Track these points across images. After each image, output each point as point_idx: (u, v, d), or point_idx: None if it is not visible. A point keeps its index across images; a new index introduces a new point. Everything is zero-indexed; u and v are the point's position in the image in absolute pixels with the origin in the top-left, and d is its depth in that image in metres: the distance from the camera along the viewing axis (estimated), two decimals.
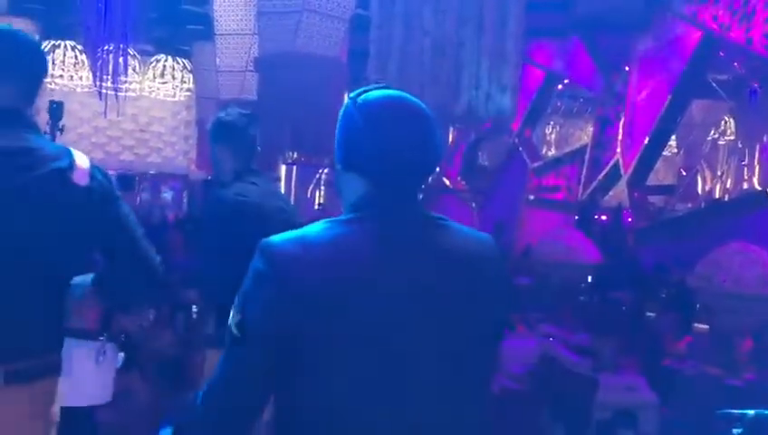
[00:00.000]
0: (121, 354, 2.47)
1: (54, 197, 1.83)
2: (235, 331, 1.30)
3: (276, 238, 1.32)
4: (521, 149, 13.60)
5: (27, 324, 1.84)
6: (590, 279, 8.89)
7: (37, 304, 1.86)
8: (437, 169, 14.91)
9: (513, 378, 5.42)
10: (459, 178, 14.70)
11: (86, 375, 2.33)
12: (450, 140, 14.70)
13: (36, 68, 2.04)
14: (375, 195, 1.36)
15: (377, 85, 1.44)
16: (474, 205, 14.25)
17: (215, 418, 1.35)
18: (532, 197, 13.57)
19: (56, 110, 2.64)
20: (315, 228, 1.34)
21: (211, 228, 2.98)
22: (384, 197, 1.36)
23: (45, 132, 2.65)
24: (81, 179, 1.86)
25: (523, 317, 6.83)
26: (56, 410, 1.95)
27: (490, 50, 6.86)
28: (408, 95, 1.44)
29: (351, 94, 1.44)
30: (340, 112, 1.43)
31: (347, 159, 1.40)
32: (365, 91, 1.41)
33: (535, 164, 13.62)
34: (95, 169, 1.94)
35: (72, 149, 1.97)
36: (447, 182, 14.94)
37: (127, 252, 1.96)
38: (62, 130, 2.63)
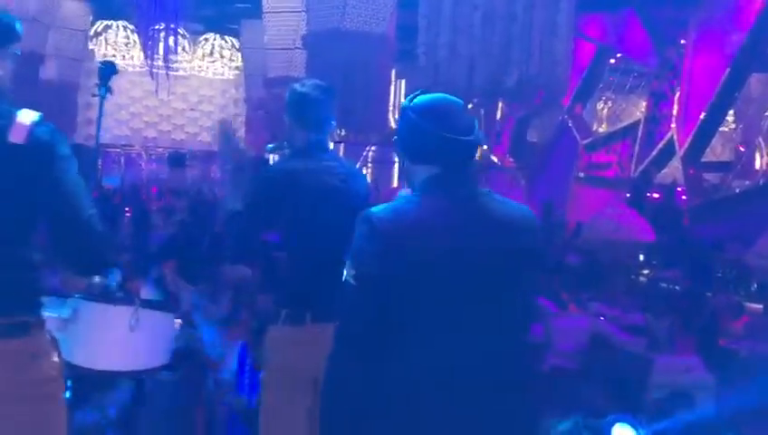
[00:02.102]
0: (178, 321, 2.51)
1: None
2: (352, 281, 1.73)
3: (375, 209, 1.78)
4: (571, 125, 13.33)
5: None
6: (642, 258, 8.71)
7: None
8: (485, 147, 14.78)
9: (564, 356, 5.37)
10: (507, 155, 14.52)
11: (119, 341, 2.36)
12: (498, 116, 14.51)
13: None
14: (436, 177, 1.80)
15: (421, 91, 1.87)
16: (522, 182, 14.07)
17: (351, 352, 1.73)
18: (582, 174, 13.32)
19: (104, 70, 2.70)
20: (398, 203, 1.82)
21: (257, 203, 2.93)
22: (443, 177, 1.80)
23: (94, 94, 2.69)
24: (17, 138, 1.90)
25: (574, 296, 6.74)
26: (44, 368, 2.00)
27: (542, 24, 6.71)
28: (446, 94, 1.88)
29: (404, 102, 1.87)
30: (399, 117, 1.87)
31: (413, 153, 1.84)
32: (414, 97, 1.84)
33: (586, 140, 13.34)
34: (40, 127, 1.95)
35: (21, 109, 1.97)
36: (495, 159, 14.77)
37: (59, 217, 1.97)
38: (109, 91, 2.67)
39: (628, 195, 11.62)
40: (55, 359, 2.07)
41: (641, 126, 12.34)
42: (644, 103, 12.73)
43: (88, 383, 2.31)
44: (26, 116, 1.95)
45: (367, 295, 1.72)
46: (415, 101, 1.83)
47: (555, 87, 7.16)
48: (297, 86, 2.96)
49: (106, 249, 2.07)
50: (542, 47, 6.82)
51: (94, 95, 2.71)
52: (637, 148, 12.23)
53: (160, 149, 19.78)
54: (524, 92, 7.12)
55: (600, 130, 13.22)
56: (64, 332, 2.22)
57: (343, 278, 1.77)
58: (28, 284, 2.01)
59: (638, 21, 12.26)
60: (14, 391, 1.96)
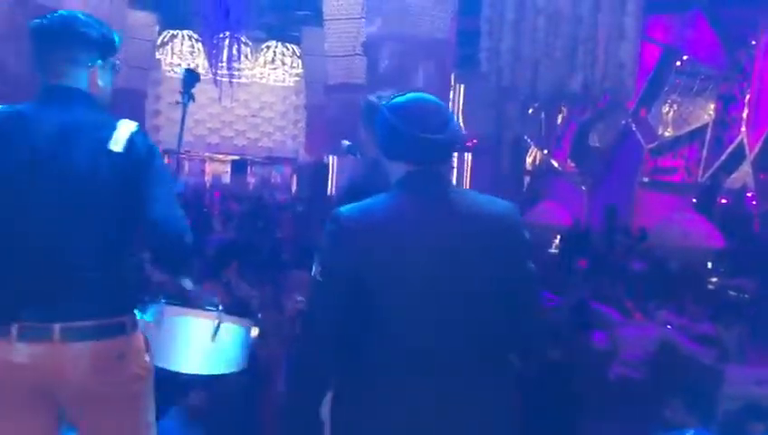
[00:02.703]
0: (256, 329, 2.56)
1: (95, 164, 1.98)
2: (318, 277, 1.80)
3: (343, 208, 1.82)
4: (635, 129, 13.03)
5: (84, 288, 1.99)
6: (710, 265, 8.46)
7: (93, 268, 2.00)
8: (545, 151, 14.58)
9: (631, 365, 5.25)
10: (568, 160, 14.28)
11: (199, 347, 2.42)
12: (558, 120, 14.29)
13: (87, 51, 2.10)
14: (411, 174, 1.85)
15: (400, 92, 1.93)
16: (584, 187, 13.81)
17: (311, 342, 1.85)
18: (646, 179, 13.00)
19: (187, 78, 2.82)
20: (372, 201, 1.84)
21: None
22: (418, 175, 1.84)
23: (177, 102, 2.79)
24: (117, 146, 1.99)
25: (639, 304, 6.59)
26: (135, 368, 2.08)
27: (608, 26, 6.59)
28: (425, 94, 1.92)
29: (383, 102, 1.93)
30: (377, 117, 1.90)
31: (387, 151, 1.89)
32: (392, 98, 1.90)
33: (651, 145, 13.02)
34: (137, 136, 2.04)
35: (122, 120, 2.07)
36: (556, 164, 14.55)
37: (153, 219, 2.04)
38: (192, 98, 2.77)
39: (695, 200, 11.31)
40: (146, 358, 2.15)
41: (709, 129, 11.99)
42: (712, 106, 12.35)
43: (169, 385, 2.38)
44: (126, 126, 2.05)
45: (331, 291, 1.79)
46: (392, 100, 1.89)
47: (621, 90, 7.02)
48: (371, 97, 2.94)
49: (192, 250, 2.14)
50: (607, 50, 6.70)
51: (177, 102, 2.79)
52: (705, 152, 11.89)
53: (222, 155, 20.22)
54: (589, 96, 7.00)
55: (666, 134, 12.86)
56: (149, 334, 2.29)
57: (312, 274, 1.84)
58: (126, 285, 2.09)
59: (705, 22, 11.91)
60: (107, 389, 2.04)
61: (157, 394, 2.20)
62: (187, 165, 19.02)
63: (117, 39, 2.16)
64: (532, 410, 4.12)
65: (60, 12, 2.12)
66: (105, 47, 2.13)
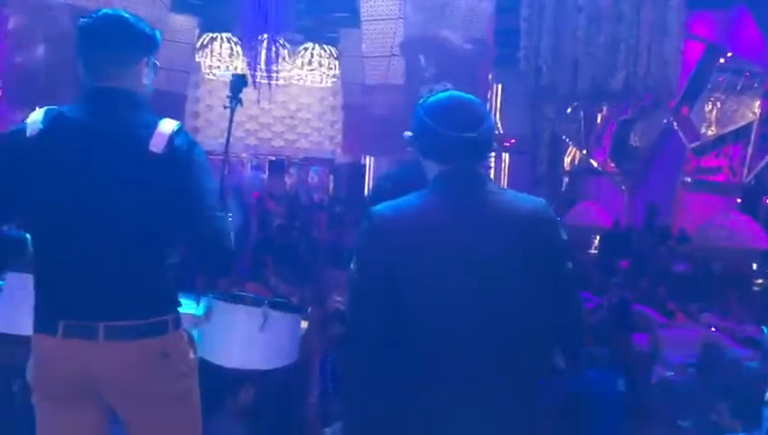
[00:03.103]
0: (305, 322, 2.58)
1: (136, 165, 2.00)
2: (355, 275, 1.84)
3: (377, 207, 1.86)
4: (677, 127, 12.80)
5: (126, 287, 2.03)
6: (755, 266, 8.27)
7: (135, 268, 2.04)
8: (584, 151, 14.41)
9: (674, 368, 5.17)
10: (608, 160, 14.09)
11: (249, 340, 2.43)
12: (598, 119, 14.11)
13: (134, 49, 2.12)
14: (444, 173, 1.86)
15: (438, 90, 1.97)
16: (624, 187, 13.61)
17: (353, 340, 1.85)
18: (688, 179, 12.75)
19: (235, 83, 2.87)
20: (407, 199, 1.87)
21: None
22: (451, 173, 1.86)
23: (225, 106, 2.82)
24: (156, 147, 2.00)
25: (682, 306, 6.49)
26: (179, 365, 2.11)
27: (650, 23, 6.47)
28: (460, 93, 1.92)
29: (420, 101, 1.94)
30: (413, 114, 1.93)
31: (421, 149, 1.92)
32: (429, 97, 1.92)
33: (693, 144, 12.76)
34: (179, 136, 2.04)
35: (163, 119, 2.08)
36: (595, 164, 14.37)
37: (193, 220, 2.05)
38: (240, 103, 2.81)
39: (739, 200, 11.07)
40: (191, 356, 2.18)
41: (754, 128, 11.72)
42: (757, 104, 12.07)
43: (218, 383, 2.42)
44: (167, 125, 2.06)
45: (367, 289, 1.82)
46: (427, 100, 1.92)
47: (664, 88, 6.89)
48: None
49: (233, 252, 2.15)
50: (650, 47, 6.58)
51: (225, 107, 2.83)
52: (750, 151, 11.63)
53: (260, 156, 20.39)
54: (631, 95, 6.89)
55: (709, 132, 12.59)
56: (198, 329, 2.33)
57: (349, 272, 1.90)
58: (166, 286, 2.12)
59: (750, 18, 11.65)
60: (150, 388, 2.08)
61: (207, 392, 2.23)
62: (226, 166, 19.21)
63: (157, 35, 2.19)
64: (577, 408, 4.10)
65: (104, 10, 2.13)
66: (149, 45, 2.15)
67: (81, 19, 2.11)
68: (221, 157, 3.02)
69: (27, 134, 2.02)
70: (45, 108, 2.09)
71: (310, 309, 3.51)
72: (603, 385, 4.16)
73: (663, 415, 4.81)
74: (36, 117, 2.05)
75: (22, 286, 2.38)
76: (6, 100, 11.39)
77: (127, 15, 2.12)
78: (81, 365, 2.02)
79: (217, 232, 2.06)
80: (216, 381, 2.52)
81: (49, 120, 2.04)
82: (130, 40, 2.10)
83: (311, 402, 3.90)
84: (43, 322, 2.05)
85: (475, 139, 1.83)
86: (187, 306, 2.29)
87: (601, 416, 4.08)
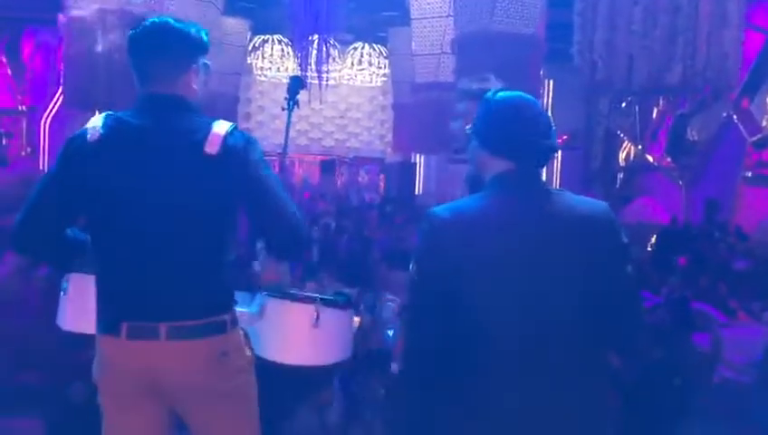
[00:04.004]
0: (357, 318, 2.59)
1: (193, 167, 2.03)
2: (415, 276, 1.84)
3: (436, 208, 1.86)
4: (737, 120, 12.43)
5: (187, 288, 2.07)
6: None
7: (195, 269, 2.07)
8: (639, 146, 14.10)
9: (736, 368, 5.03)
10: (665, 155, 13.77)
11: (302, 336, 2.46)
12: (654, 114, 13.80)
13: (182, 56, 2.15)
14: (508, 173, 1.85)
15: (501, 88, 1.93)
16: (681, 183, 13.28)
17: (411, 337, 1.89)
18: (749, 173, 12.37)
19: (293, 85, 2.93)
20: (466, 200, 1.88)
21: None
22: (515, 175, 1.85)
23: (283, 108, 2.85)
24: (212, 148, 2.03)
25: (744, 304, 6.29)
26: (238, 362, 2.15)
27: (709, 14, 6.29)
28: (525, 94, 1.90)
29: (487, 95, 1.91)
30: (480, 109, 1.90)
31: (492, 146, 1.88)
32: (495, 93, 1.90)
33: (754, 137, 12.37)
34: (233, 136, 2.07)
35: (217, 120, 2.10)
36: (651, 159, 14.06)
37: (261, 210, 2.08)
38: (297, 104, 2.86)
39: None
40: (248, 353, 2.22)
41: None
42: None
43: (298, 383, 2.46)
44: (221, 127, 2.09)
45: (428, 290, 1.82)
46: (498, 95, 1.89)
47: (724, 81, 6.69)
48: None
49: (305, 234, 2.17)
50: (709, 39, 6.39)
51: (283, 109, 2.86)
52: None
53: (311, 157, 20.57)
54: (689, 88, 6.72)
55: None
56: (253, 326, 2.37)
57: (408, 273, 1.90)
58: (225, 285, 2.16)
59: None
60: (211, 385, 2.12)
61: (285, 392, 2.26)
62: (277, 166, 19.43)
63: (206, 37, 2.20)
64: (633, 407, 4.03)
65: (152, 19, 2.17)
66: (197, 50, 2.17)
67: (131, 30, 2.16)
68: (275, 158, 3.06)
69: (88, 139, 2.08)
70: (104, 113, 2.15)
71: (362, 306, 3.52)
72: (659, 386, 4.08)
73: (725, 416, 4.69)
74: (96, 122, 2.11)
75: (86, 286, 2.46)
76: (67, 104, 11.76)
77: (173, 23, 2.15)
78: (144, 365, 2.08)
79: (293, 222, 2.08)
80: (297, 381, 2.56)
81: (108, 125, 2.09)
82: (177, 48, 2.13)
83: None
84: (107, 323, 2.11)
85: (551, 145, 1.86)
86: (242, 304, 2.33)
87: (657, 417, 4.00)
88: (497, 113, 1.87)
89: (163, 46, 2.12)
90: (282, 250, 2.22)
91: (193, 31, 2.16)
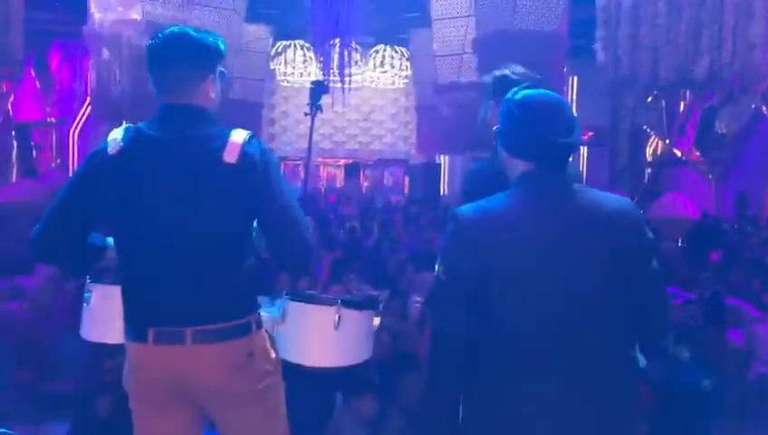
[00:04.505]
0: (377, 319, 2.59)
1: (207, 174, 2.06)
2: (441, 277, 1.83)
3: (464, 208, 1.85)
4: (766, 112, 12.23)
5: (210, 293, 2.09)
6: None
7: (217, 273, 2.10)
8: (667, 141, 13.92)
9: None
10: (693, 149, 13.58)
11: (325, 338, 2.47)
12: (681, 108, 13.63)
13: (199, 67, 2.17)
14: (532, 172, 1.84)
15: (524, 85, 1.91)
16: (711, 177, 13.09)
17: (440, 342, 1.85)
18: None
19: (315, 90, 2.97)
20: (493, 199, 1.86)
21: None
22: (538, 173, 1.84)
23: (306, 113, 2.89)
24: (230, 157, 2.06)
25: None
26: (264, 364, 2.18)
27: (735, 5, 6.18)
28: (549, 91, 1.88)
29: (509, 95, 1.90)
30: (502, 109, 1.90)
31: (510, 146, 1.89)
32: (517, 92, 1.88)
33: None
34: (250, 145, 2.10)
35: (234, 129, 2.13)
36: (679, 153, 13.87)
37: (273, 221, 2.11)
38: (320, 109, 2.89)
39: None
40: (273, 355, 2.24)
41: None
42: None
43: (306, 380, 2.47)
44: (238, 136, 2.12)
45: (455, 290, 1.81)
46: (518, 95, 1.87)
47: (751, 73, 6.56)
48: (506, 70, 2.69)
49: (312, 251, 2.20)
50: (735, 31, 6.29)
51: (306, 114, 2.88)
52: None
53: (335, 160, 20.64)
54: (716, 81, 6.61)
55: None
56: (276, 330, 2.38)
57: (435, 274, 1.90)
58: (247, 288, 2.19)
59: None
60: (239, 387, 2.14)
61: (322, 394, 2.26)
62: (302, 171, 19.55)
63: (222, 46, 2.22)
64: (661, 409, 3.98)
65: (171, 29, 2.18)
66: (214, 60, 2.19)
67: (149, 40, 2.19)
68: (297, 162, 3.08)
69: (109, 152, 2.12)
70: (125, 126, 2.19)
71: (381, 305, 3.52)
72: (687, 387, 4.02)
73: (762, 412, 4.61)
74: (116, 135, 2.14)
75: (108, 297, 2.50)
76: (95, 115, 11.93)
77: (191, 33, 2.16)
78: (172, 370, 2.11)
79: (297, 236, 2.11)
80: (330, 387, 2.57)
81: (129, 137, 2.13)
82: (195, 57, 2.15)
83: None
84: (134, 330, 2.14)
85: (572, 144, 1.84)
86: (264, 308, 2.35)
87: (686, 419, 3.94)
88: (513, 114, 1.87)
89: (181, 56, 2.14)
90: (286, 263, 2.26)
91: (210, 40, 2.18)
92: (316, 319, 2.47)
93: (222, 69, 2.23)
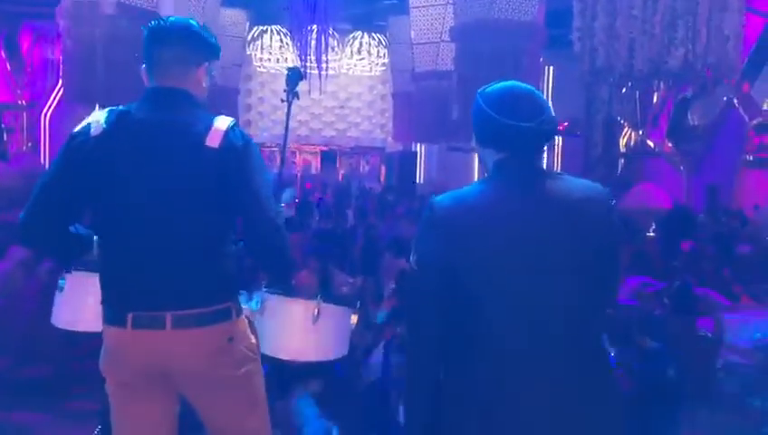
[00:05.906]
0: (355, 316, 2.61)
1: (189, 158, 2.08)
2: (414, 266, 1.84)
3: (438, 197, 1.86)
4: (738, 104, 12.40)
5: (190, 277, 2.10)
6: None
7: (199, 259, 2.11)
8: (640, 132, 14.07)
9: (740, 352, 5.03)
10: (666, 140, 13.74)
11: (303, 332, 2.48)
12: (654, 99, 13.77)
13: (199, 52, 2.23)
14: (504, 161, 1.87)
15: (498, 81, 1.92)
16: (683, 168, 13.27)
17: (413, 329, 1.88)
18: (750, 157, 12.36)
19: (291, 77, 2.94)
20: (468, 188, 1.88)
21: None
22: (510, 161, 1.86)
23: (282, 100, 2.88)
24: (213, 142, 2.08)
25: (748, 288, 6.30)
26: (244, 349, 2.19)
27: None
28: (520, 83, 1.91)
29: (480, 90, 1.92)
30: (474, 104, 1.91)
31: (481, 138, 1.93)
32: (488, 87, 1.91)
33: (755, 121, 12.36)
34: (232, 131, 2.12)
35: (218, 116, 2.16)
36: (651, 144, 14.03)
37: (247, 212, 2.12)
38: (296, 96, 2.87)
39: None
40: (253, 341, 2.26)
41: None
42: None
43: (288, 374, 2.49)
44: (222, 122, 2.14)
45: (428, 280, 1.81)
46: (488, 88, 1.91)
47: (725, 65, 6.65)
48: None
49: (287, 249, 2.21)
50: (709, 23, 6.35)
51: (283, 101, 2.89)
52: None
53: (312, 147, 20.56)
54: (690, 72, 6.68)
55: None
56: (254, 323, 2.38)
57: (409, 262, 1.91)
58: (227, 274, 2.19)
59: None
60: (218, 372, 2.15)
61: (277, 380, 2.28)
62: (278, 157, 19.41)
63: (218, 47, 2.30)
64: (630, 399, 4.04)
65: (174, 17, 2.26)
66: (212, 51, 2.27)
67: (151, 21, 2.22)
68: (274, 148, 3.06)
69: (91, 133, 2.11)
70: (108, 109, 2.19)
71: (359, 304, 3.54)
72: (653, 375, 4.08)
73: (729, 399, 4.70)
74: (99, 117, 2.15)
75: (82, 285, 2.48)
76: (67, 98, 11.74)
77: (194, 23, 2.24)
78: (151, 354, 2.10)
79: (271, 226, 2.12)
80: (286, 371, 2.58)
81: (112, 119, 2.13)
82: (196, 43, 2.22)
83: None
84: (113, 314, 2.14)
85: (533, 129, 1.83)
86: (242, 301, 2.35)
87: (653, 407, 4.01)
88: (479, 105, 1.90)
89: (185, 36, 2.20)
90: (257, 253, 2.26)
91: (210, 35, 2.27)
92: (295, 313, 2.48)
93: (213, 69, 2.28)
